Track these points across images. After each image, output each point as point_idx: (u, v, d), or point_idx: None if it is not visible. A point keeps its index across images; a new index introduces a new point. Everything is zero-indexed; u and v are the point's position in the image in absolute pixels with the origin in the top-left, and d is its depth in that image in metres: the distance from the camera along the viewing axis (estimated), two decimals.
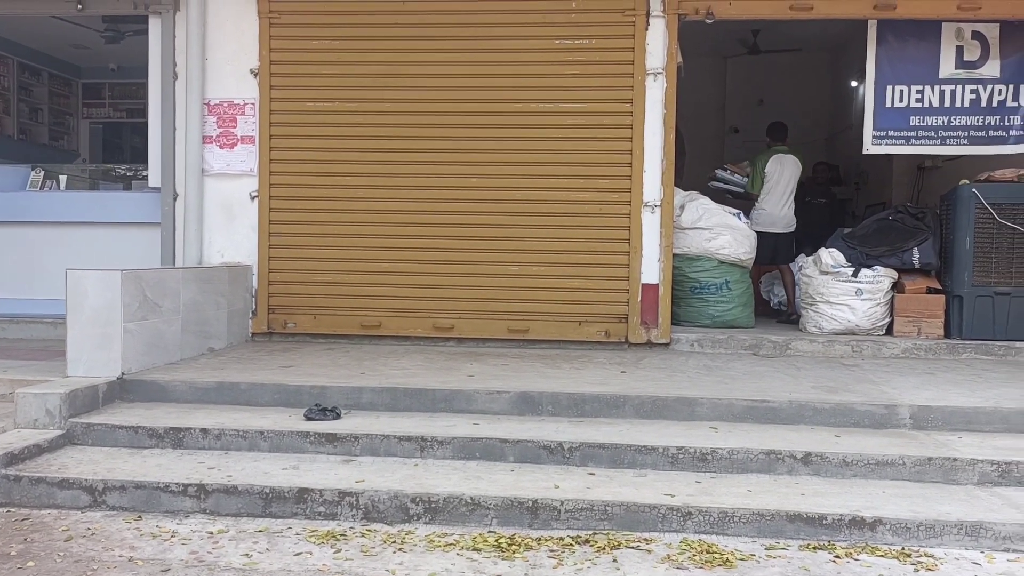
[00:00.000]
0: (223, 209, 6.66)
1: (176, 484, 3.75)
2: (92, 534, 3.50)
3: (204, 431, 4.27)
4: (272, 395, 4.77)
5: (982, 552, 3.36)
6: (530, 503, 3.58)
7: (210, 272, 6.14)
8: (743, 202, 7.52)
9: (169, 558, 3.26)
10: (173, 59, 6.58)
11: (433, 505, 3.61)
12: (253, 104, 6.59)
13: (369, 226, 6.56)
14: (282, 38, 6.57)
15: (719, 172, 7.66)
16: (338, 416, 4.47)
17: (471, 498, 3.61)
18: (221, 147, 6.62)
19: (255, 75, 6.58)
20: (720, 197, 7.37)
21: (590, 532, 3.51)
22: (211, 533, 3.52)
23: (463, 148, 6.49)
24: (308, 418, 4.42)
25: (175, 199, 6.60)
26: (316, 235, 6.60)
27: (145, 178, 6.86)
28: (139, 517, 3.69)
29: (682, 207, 6.88)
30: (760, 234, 7.18)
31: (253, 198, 6.63)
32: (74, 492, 3.79)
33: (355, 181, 6.57)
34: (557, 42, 6.40)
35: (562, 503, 3.57)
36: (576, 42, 6.39)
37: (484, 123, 6.46)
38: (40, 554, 3.29)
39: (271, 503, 3.69)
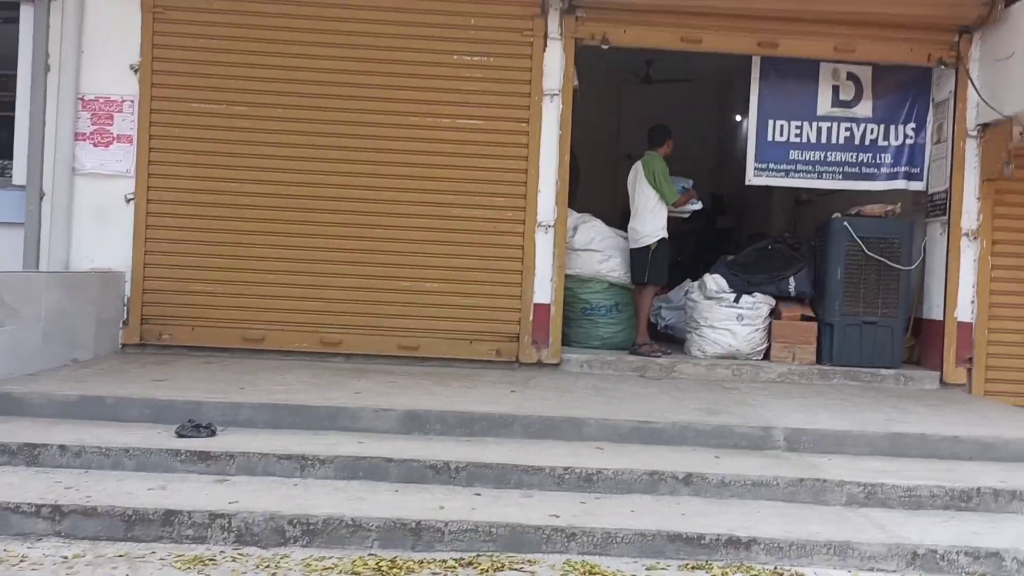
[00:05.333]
0: (95, 211, 6.27)
1: (28, 504, 3.48)
2: None
3: (62, 447, 3.97)
4: (141, 410, 4.49)
5: (849, 571, 3.49)
6: (413, 524, 3.49)
7: (78, 278, 5.76)
8: None
9: None
10: (46, 50, 6.18)
11: (312, 527, 3.47)
12: (132, 101, 6.25)
13: (255, 235, 6.32)
14: (167, 34, 6.29)
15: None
16: (213, 433, 4.24)
17: (352, 519, 3.49)
18: (95, 145, 6.24)
19: (135, 71, 6.25)
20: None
21: (474, 554, 3.45)
22: (65, 558, 3.26)
23: (357, 159, 6.37)
24: (180, 435, 4.18)
25: (41, 198, 6.16)
26: (197, 242, 6.30)
27: (9, 175, 6.37)
28: None
29: (575, 228, 6.96)
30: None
31: (129, 201, 6.27)
32: None
33: (241, 188, 6.32)
34: (455, 57, 6.39)
35: (446, 524, 3.50)
36: (475, 58, 6.40)
37: (379, 135, 6.36)
38: None
39: (134, 526, 3.45)
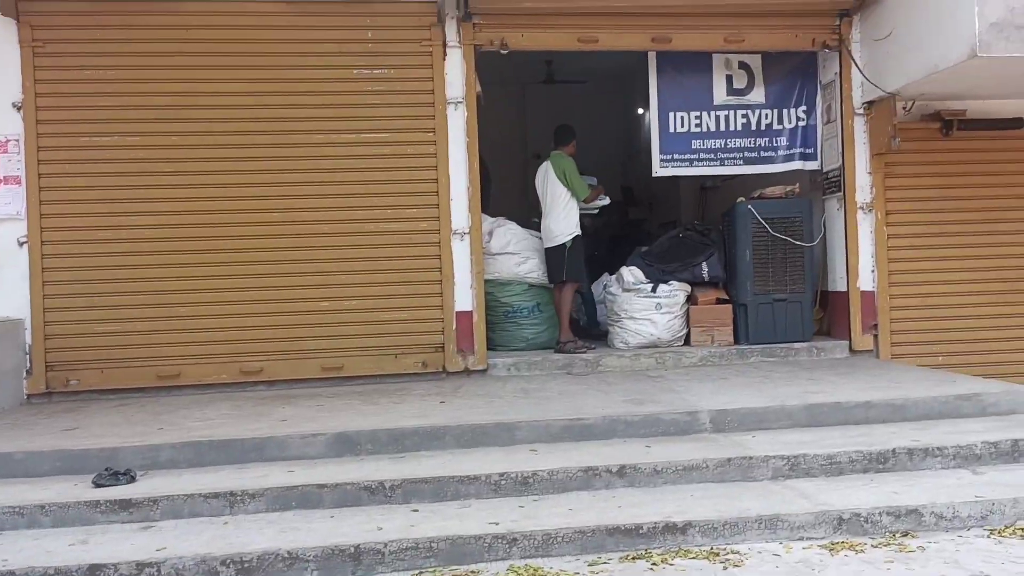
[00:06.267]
0: None
1: None
2: None
3: None
4: (53, 463, 4.28)
5: (780, 543, 3.61)
6: (352, 549, 3.44)
7: None
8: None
9: None
10: None
11: (246, 565, 3.37)
12: (17, 140, 5.95)
13: (160, 268, 6.11)
14: (49, 68, 6.00)
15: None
16: (133, 479, 4.08)
17: (288, 552, 3.41)
18: None
19: (18, 109, 5.96)
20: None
21: (416, 571, 3.42)
22: None
23: (263, 182, 6.23)
24: (97, 484, 4.00)
25: None
26: (100, 281, 6.04)
27: None
28: None
29: (490, 233, 6.98)
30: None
31: (22, 244, 5.97)
32: None
33: (142, 221, 6.10)
34: (356, 72, 6.33)
35: (386, 545, 3.46)
36: (375, 72, 6.34)
37: (284, 155, 6.24)
38: None
39: None
